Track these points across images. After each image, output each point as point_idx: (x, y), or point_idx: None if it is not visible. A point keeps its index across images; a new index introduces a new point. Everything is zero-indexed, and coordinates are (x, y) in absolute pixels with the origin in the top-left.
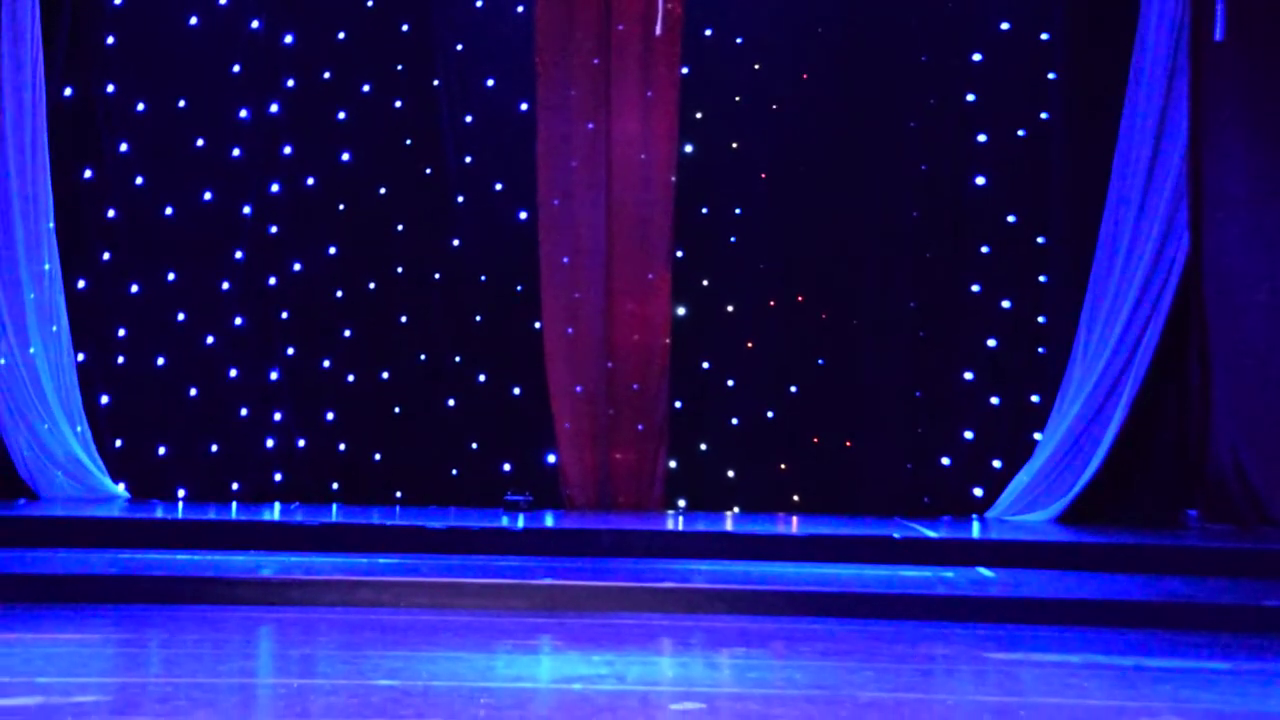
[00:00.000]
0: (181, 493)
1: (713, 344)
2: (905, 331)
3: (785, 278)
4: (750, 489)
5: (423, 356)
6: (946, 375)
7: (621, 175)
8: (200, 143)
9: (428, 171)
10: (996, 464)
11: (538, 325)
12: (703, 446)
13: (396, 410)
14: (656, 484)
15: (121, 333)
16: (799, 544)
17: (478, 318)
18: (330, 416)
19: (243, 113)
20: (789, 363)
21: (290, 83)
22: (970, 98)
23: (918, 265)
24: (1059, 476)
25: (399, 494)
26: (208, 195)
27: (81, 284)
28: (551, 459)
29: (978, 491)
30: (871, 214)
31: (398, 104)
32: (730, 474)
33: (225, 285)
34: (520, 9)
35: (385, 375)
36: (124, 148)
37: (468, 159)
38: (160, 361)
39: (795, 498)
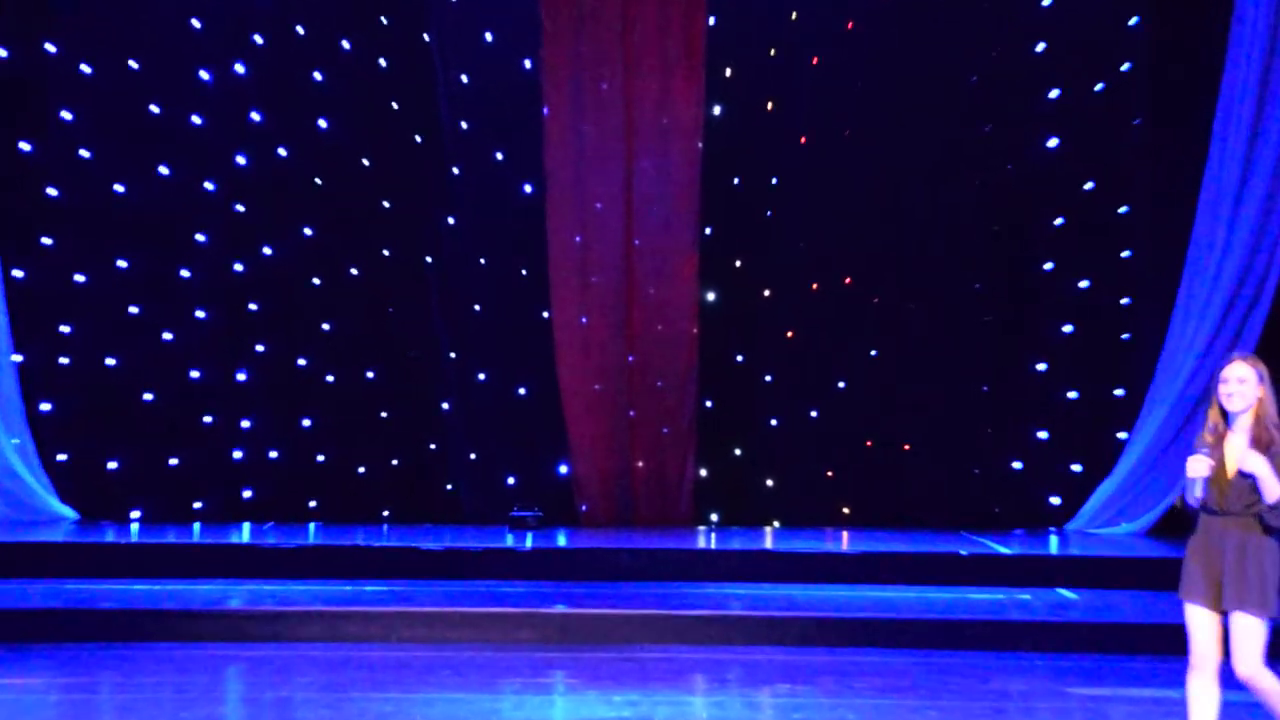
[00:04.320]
0: (136, 513)
1: (747, 334)
2: (969, 317)
3: (830, 258)
4: (793, 500)
5: (414, 353)
6: (1017, 367)
7: (641, 142)
8: (155, 110)
9: (418, 140)
10: (1076, 468)
11: (546, 315)
12: (737, 452)
13: (384, 415)
14: (684, 496)
15: (66, 329)
16: (850, 563)
17: (476, 307)
18: (307, 423)
19: (204, 75)
20: (835, 355)
21: (259, 40)
22: (1039, 47)
23: (982, 241)
24: (1150, 483)
25: (387, 512)
26: (165, 170)
27: (19, 273)
28: (563, 469)
29: (1055, 500)
30: (928, 183)
31: (383, 63)
32: (769, 483)
33: (186, 273)
34: None
35: (371, 375)
36: (68, 116)
37: (464, 125)
38: (111, 362)
39: (845, 510)
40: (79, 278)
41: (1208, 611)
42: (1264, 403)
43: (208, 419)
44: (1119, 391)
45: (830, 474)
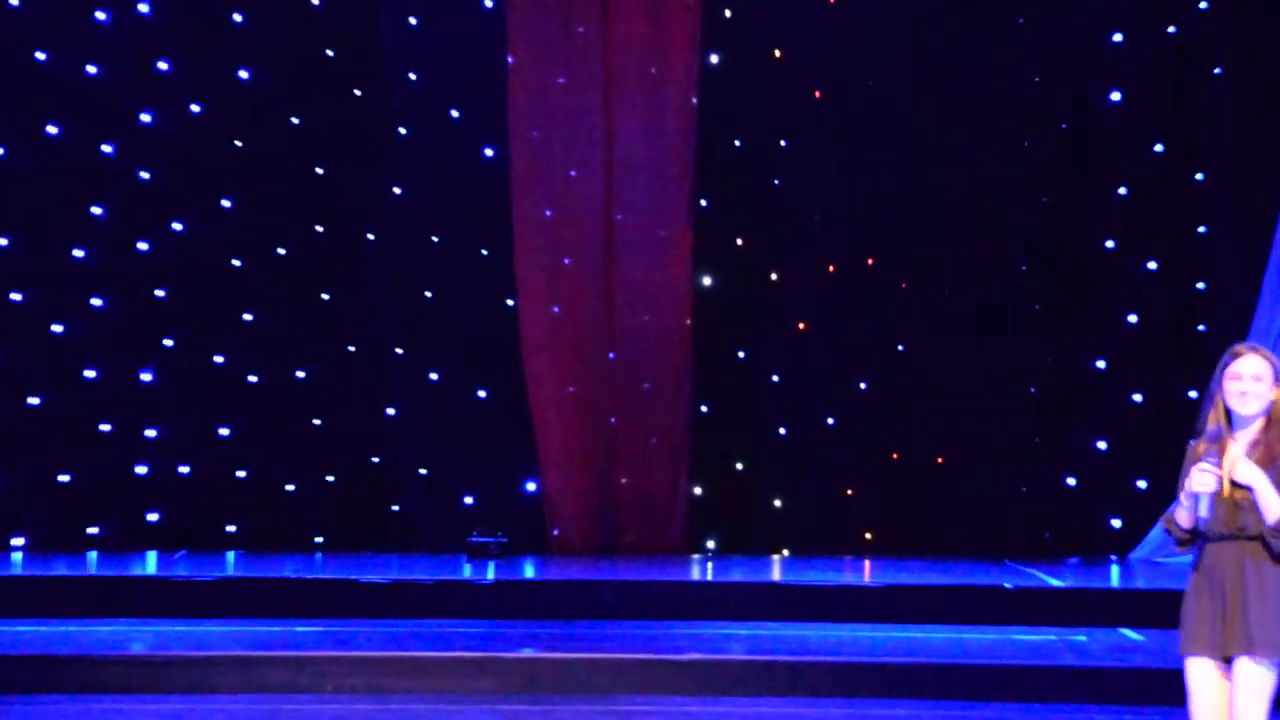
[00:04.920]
0: (19, 541)
1: (751, 326)
2: (1014, 305)
3: (849, 235)
4: (804, 524)
5: (353, 348)
6: (1071, 363)
7: (624, 97)
8: (41, 57)
9: (358, 94)
10: (1141, 485)
11: (510, 304)
12: (738, 466)
13: (317, 423)
14: (676, 518)
15: None
16: (873, 599)
17: (428, 294)
18: (225, 432)
19: (100, 14)
20: (855, 351)
21: None
22: None
23: (1030, 215)
24: None
25: (321, 538)
26: (52, 129)
27: None
28: (532, 486)
29: (1116, 523)
30: (965, 146)
31: (315, 1)
32: (777, 503)
33: (79, 254)
34: None
35: (301, 375)
36: None
37: (412, 77)
38: None
39: (867, 535)
40: None
41: (1212, 665)
42: (1278, 406)
43: (105, 427)
44: (1193, 394)
45: (849, 492)
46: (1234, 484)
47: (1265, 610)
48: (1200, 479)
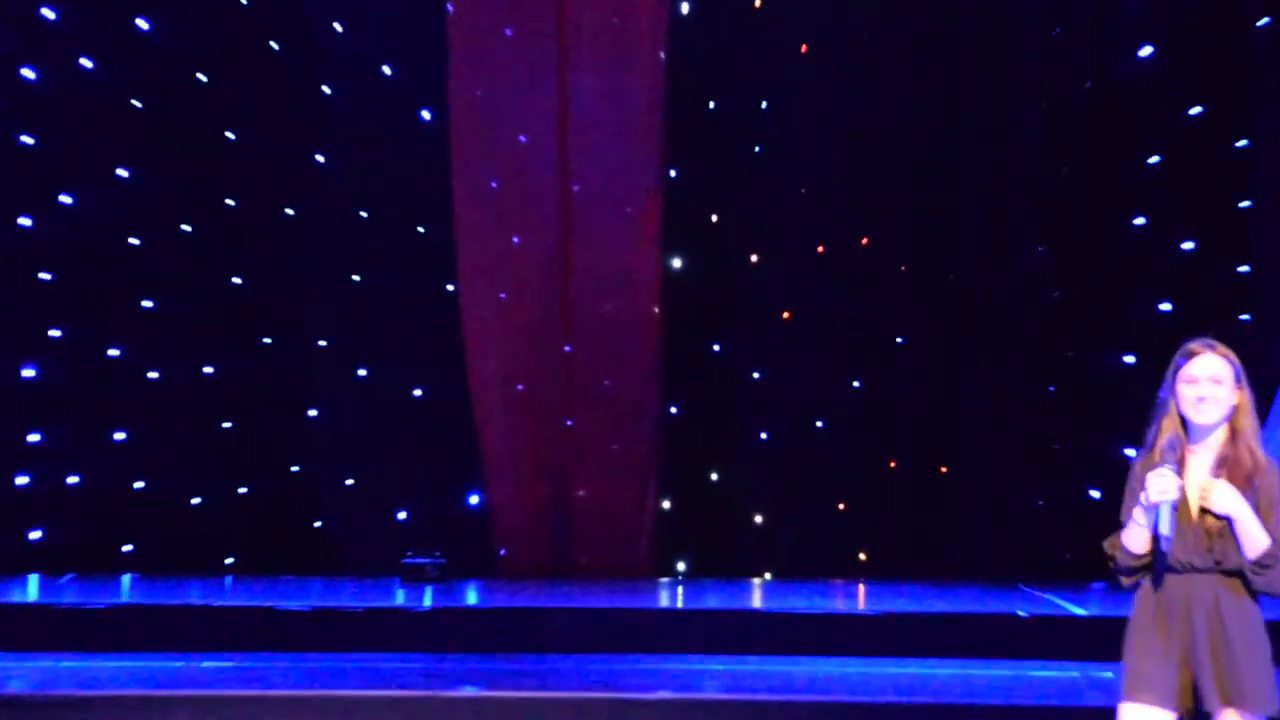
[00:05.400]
0: None
1: (728, 315)
2: (1029, 292)
3: (841, 210)
4: (789, 542)
5: (269, 340)
6: (1095, 359)
7: (581, 52)
8: None
9: (275, 48)
10: None
11: (450, 289)
12: (713, 476)
13: (227, 425)
14: (642, 536)
15: None
16: (868, 629)
17: (356, 278)
18: (121, 437)
19: None
20: (848, 343)
21: None
22: None
23: (1048, 188)
24: None
25: (233, 559)
26: None
27: None
28: (476, 499)
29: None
30: (973, 107)
31: None
32: (757, 519)
33: None
34: None
35: (209, 371)
36: None
37: (338, 28)
38: None
39: (861, 556)
40: None
41: (1165, 717)
42: (1242, 413)
43: None
44: None
45: (841, 507)
46: (1206, 511)
47: (1254, 659)
48: (1159, 485)
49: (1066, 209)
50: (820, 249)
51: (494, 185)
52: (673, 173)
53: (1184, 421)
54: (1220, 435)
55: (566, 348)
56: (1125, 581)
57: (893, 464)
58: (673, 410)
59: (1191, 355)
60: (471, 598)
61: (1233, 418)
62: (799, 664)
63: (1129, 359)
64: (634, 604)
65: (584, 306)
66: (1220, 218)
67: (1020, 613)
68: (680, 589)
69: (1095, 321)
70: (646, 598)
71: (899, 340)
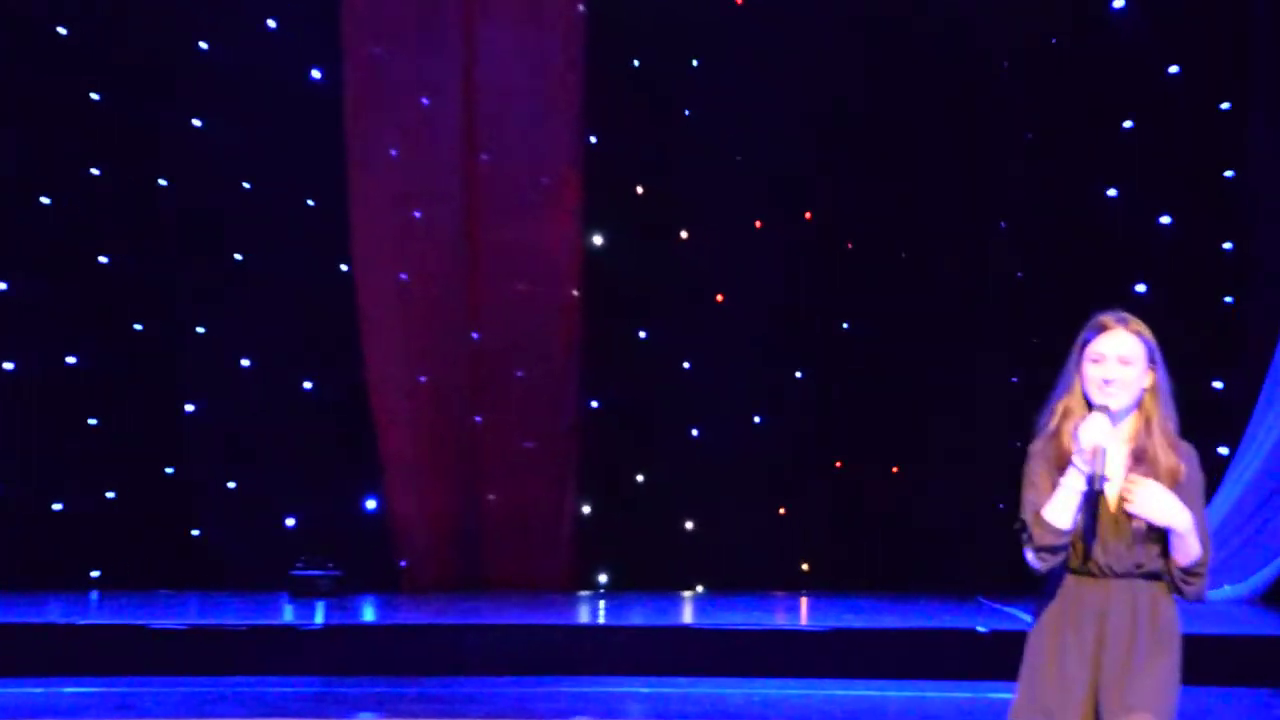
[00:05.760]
0: None
1: (655, 298)
2: (991, 271)
3: (780, 180)
4: (724, 551)
5: (140, 327)
6: (1063, 346)
7: (491, 3)
8: None
9: None
10: None
11: (346, 269)
12: (639, 478)
13: (94, 423)
14: (560, 545)
15: None
16: (813, 647)
17: (238, 257)
18: None
19: None
20: (789, 328)
21: None
22: None
23: (1010, 154)
24: (1265, 522)
25: (99, 572)
26: None
27: None
28: (373, 504)
29: None
30: (928, 66)
31: None
32: (688, 525)
33: None
34: None
35: (72, 361)
36: None
37: None
38: None
39: (804, 566)
40: None
41: None
42: (1156, 397)
43: None
44: (1217, 384)
45: (782, 511)
46: (1128, 512)
47: (1160, 670)
48: (1092, 429)
49: (1032, 178)
50: (758, 224)
51: (393, 154)
52: (593, 139)
53: (1088, 404)
54: (1132, 424)
55: (474, 335)
56: (1043, 565)
57: (839, 464)
58: (594, 404)
59: (1101, 329)
60: (369, 614)
61: (1144, 403)
62: (734, 686)
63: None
64: (551, 620)
65: (494, 289)
66: (1201, 189)
67: (980, 629)
68: (602, 603)
69: (1063, 303)
70: (564, 613)
71: (845, 326)
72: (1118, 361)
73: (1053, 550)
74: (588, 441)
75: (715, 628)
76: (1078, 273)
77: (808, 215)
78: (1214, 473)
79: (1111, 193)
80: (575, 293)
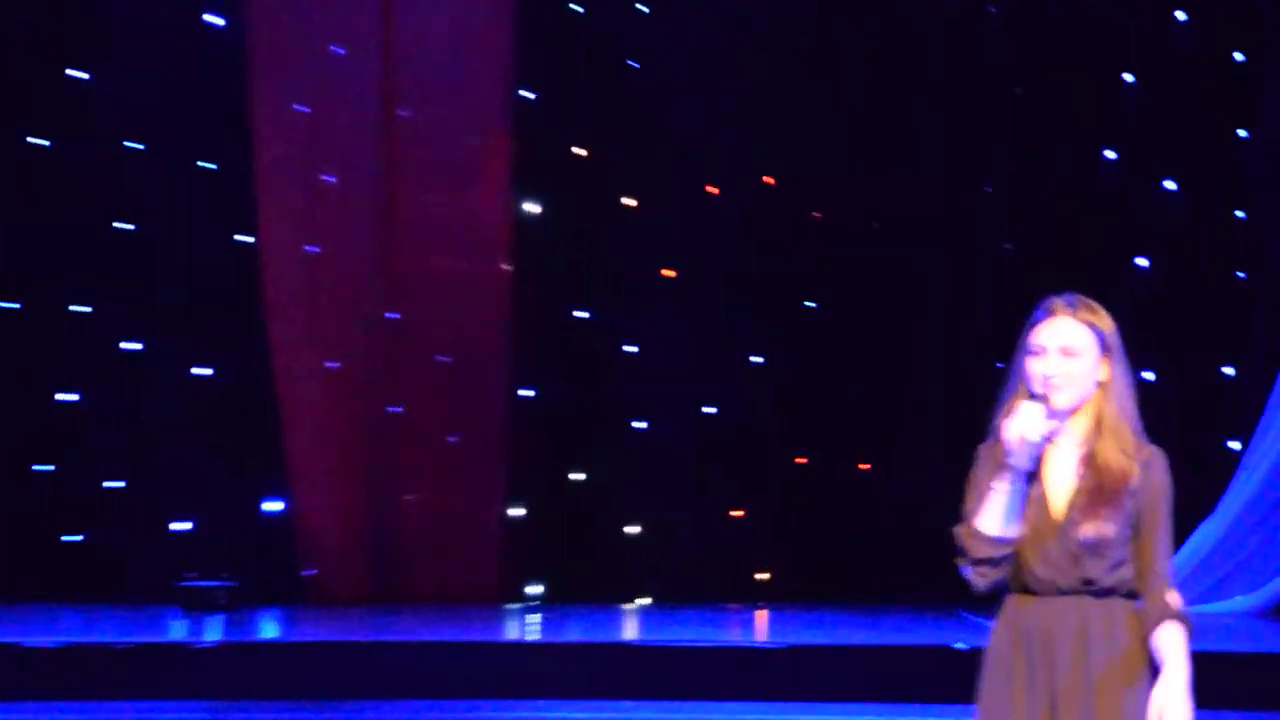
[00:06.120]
0: None
1: (597, 273)
2: (974, 243)
3: (738, 140)
4: (673, 560)
5: (13, 305)
6: None
7: None
8: None
9: None
10: None
11: (251, 240)
12: (577, 477)
13: None
14: (487, 552)
15: None
16: (770, 666)
17: (127, 226)
18: None
19: None
20: (747, 307)
21: None
22: None
23: (996, 112)
24: (1272, 538)
25: None
26: None
27: None
28: (277, 505)
29: None
30: (903, 10)
31: None
32: (632, 530)
33: None
34: None
35: None
36: None
37: None
38: None
39: (762, 575)
40: None
41: None
42: (1110, 394)
43: None
44: (1229, 370)
45: (738, 514)
46: (1081, 513)
47: (1126, 701)
48: (1024, 421)
49: (1020, 139)
50: (712, 190)
51: (302, 110)
52: (526, 95)
53: (1036, 397)
54: (1086, 422)
55: (393, 314)
56: (980, 581)
57: (802, 461)
58: (527, 393)
59: (1050, 313)
60: (270, 630)
61: (1096, 400)
62: (682, 711)
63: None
64: (477, 636)
65: (414, 263)
66: (1212, 151)
67: (959, 645)
68: (535, 617)
69: (1054, 279)
70: (492, 628)
71: (810, 305)
72: (1060, 354)
73: (990, 563)
74: (520, 435)
75: (662, 645)
76: (1072, 244)
77: (769, 180)
78: (1224, 469)
79: (1110, 155)
80: (506, 267)
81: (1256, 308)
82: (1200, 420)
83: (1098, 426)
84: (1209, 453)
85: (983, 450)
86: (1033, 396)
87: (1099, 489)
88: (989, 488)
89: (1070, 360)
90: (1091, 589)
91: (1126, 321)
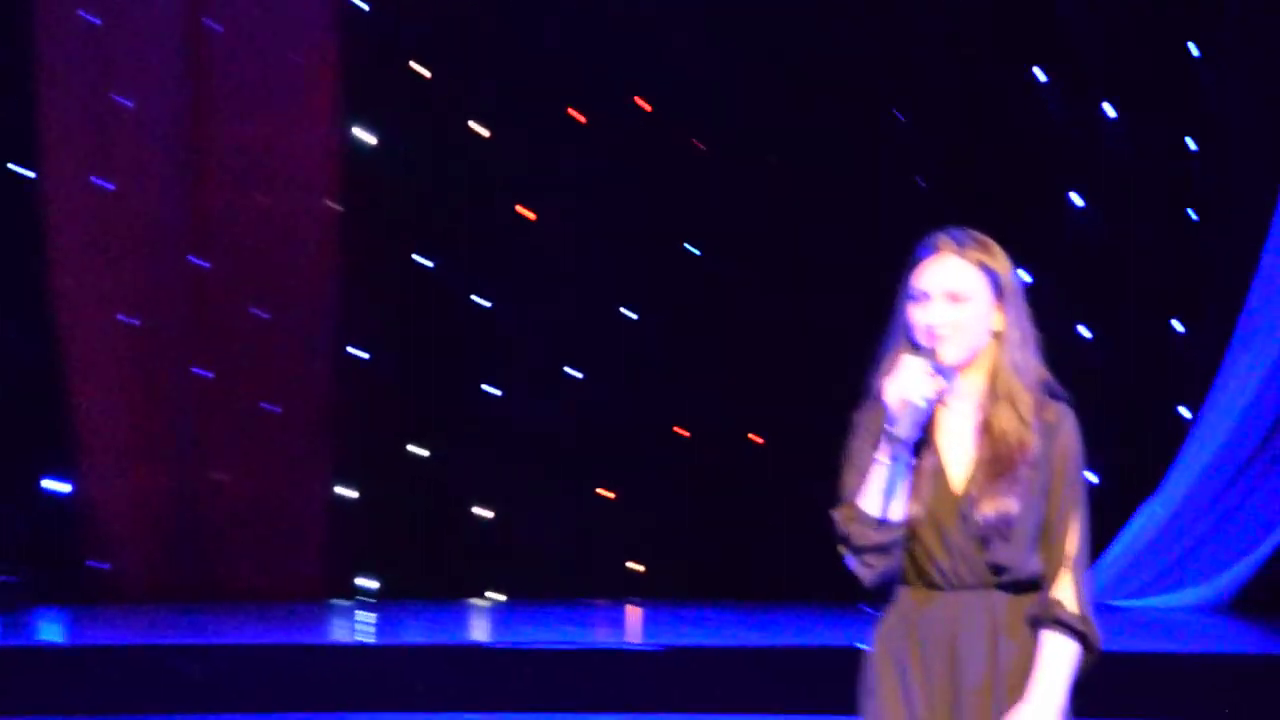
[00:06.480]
0: None
1: (441, 213)
2: (886, 178)
3: (610, 56)
4: (530, 549)
5: None
6: None
7: None
8: None
9: None
10: (1092, 480)
11: (32, 175)
12: (419, 452)
13: None
14: (311, 540)
15: None
16: (645, 671)
17: None
18: None
19: None
20: (622, 256)
21: None
22: None
23: (910, 24)
24: (1233, 514)
25: None
26: None
27: None
28: (62, 487)
29: None
30: None
31: None
32: (483, 514)
33: None
34: None
35: None
36: None
37: None
38: None
39: (636, 566)
40: None
41: None
42: (1005, 345)
43: None
44: (1177, 325)
45: (608, 494)
46: (980, 489)
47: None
48: (904, 379)
49: (935, 58)
50: (579, 116)
51: (92, 20)
52: (358, 3)
53: (919, 347)
54: (979, 379)
55: (199, 260)
56: (867, 573)
57: (683, 431)
58: (359, 354)
59: (920, 260)
60: (52, 633)
61: (990, 354)
62: None
63: (1024, 277)
64: (299, 638)
65: (225, 201)
66: (1158, 71)
67: (863, 646)
68: (368, 616)
69: (977, 221)
70: (316, 629)
71: (694, 252)
72: (945, 299)
73: (877, 551)
74: (350, 403)
75: (517, 646)
76: (995, 179)
77: (644, 104)
78: (1172, 439)
79: (1040, 75)
80: (334, 206)
81: (1211, 253)
82: (1145, 383)
83: (992, 386)
84: (1155, 420)
85: (861, 417)
86: (916, 349)
87: (995, 460)
88: (871, 461)
89: (958, 306)
90: (1003, 581)
91: (1059, 267)
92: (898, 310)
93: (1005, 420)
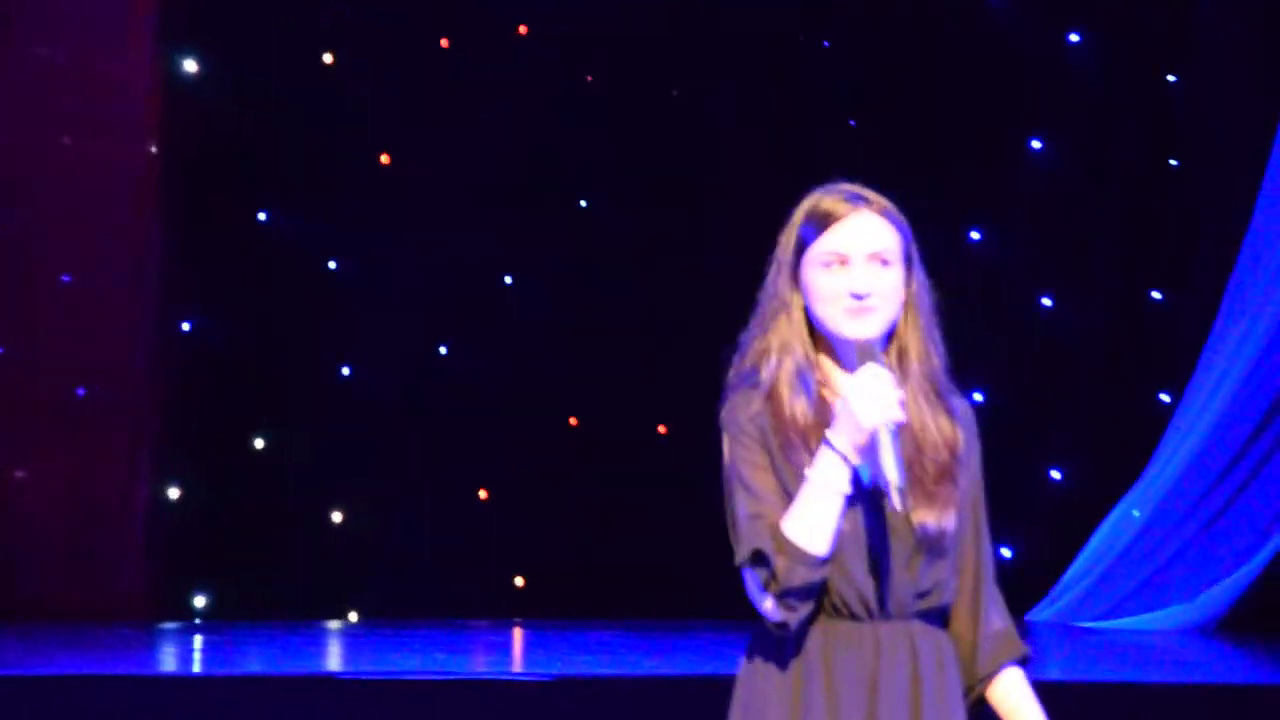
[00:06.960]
0: None
1: (284, 156)
2: (812, 113)
3: None
4: (392, 560)
5: None
6: (925, 232)
7: None
8: None
9: None
10: (1053, 474)
11: None
12: (257, 443)
13: None
14: (129, 550)
15: None
16: (528, 703)
17: None
18: None
19: None
20: (496, 208)
21: None
22: None
23: None
24: (1216, 518)
25: None
26: None
27: None
28: None
29: (1005, 553)
30: None
31: None
32: (336, 516)
33: None
34: None
35: None
36: None
37: None
38: None
39: (517, 580)
40: None
41: None
42: (916, 316)
43: None
44: (1156, 294)
45: (484, 494)
46: (911, 496)
47: None
48: (882, 393)
49: None
50: (443, 43)
51: None
52: None
53: (813, 334)
54: (888, 363)
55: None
56: (789, 617)
57: (573, 421)
58: (184, 327)
59: (829, 217)
60: None
61: (900, 329)
62: None
63: (974, 235)
64: (117, 668)
65: (25, 144)
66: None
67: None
68: (198, 640)
69: (922, 165)
70: (140, 658)
71: (582, 204)
72: (871, 261)
73: (805, 593)
74: (176, 387)
75: (376, 676)
76: (940, 119)
77: (521, 29)
78: (1150, 429)
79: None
80: (153, 149)
81: (1196, 207)
82: (1119, 363)
83: (901, 364)
84: (1130, 407)
85: (734, 421)
86: (817, 335)
87: (925, 460)
88: (797, 479)
89: (885, 270)
90: (923, 609)
91: (1016, 225)
92: (765, 293)
93: (926, 414)
